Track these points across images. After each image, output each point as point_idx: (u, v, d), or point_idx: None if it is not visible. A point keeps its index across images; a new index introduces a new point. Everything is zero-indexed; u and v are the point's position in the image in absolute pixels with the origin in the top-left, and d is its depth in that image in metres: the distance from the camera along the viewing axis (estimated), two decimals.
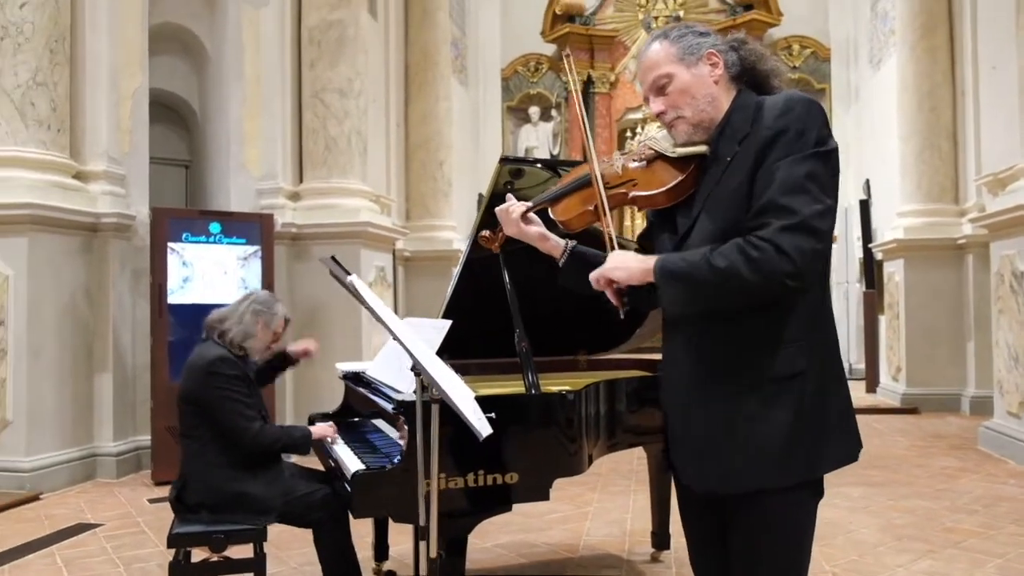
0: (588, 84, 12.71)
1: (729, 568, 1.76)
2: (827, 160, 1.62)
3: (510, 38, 12.90)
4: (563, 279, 1.91)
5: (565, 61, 2.21)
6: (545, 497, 2.40)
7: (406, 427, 2.28)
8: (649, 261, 1.67)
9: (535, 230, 1.93)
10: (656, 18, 12.63)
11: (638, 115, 12.58)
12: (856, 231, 10.71)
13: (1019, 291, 5.71)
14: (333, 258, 1.94)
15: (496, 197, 2.77)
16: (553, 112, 12.95)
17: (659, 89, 1.78)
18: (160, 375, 5.50)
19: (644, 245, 1.95)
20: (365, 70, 7.14)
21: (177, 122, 7.25)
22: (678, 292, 1.66)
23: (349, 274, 1.84)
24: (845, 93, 12.04)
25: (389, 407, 2.58)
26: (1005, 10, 6.32)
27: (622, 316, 1.73)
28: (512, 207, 1.93)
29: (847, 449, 1.71)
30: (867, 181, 10.72)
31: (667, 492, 3.48)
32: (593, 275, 1.75)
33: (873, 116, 10.77)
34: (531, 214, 1.94)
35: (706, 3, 12.89)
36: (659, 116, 1.81)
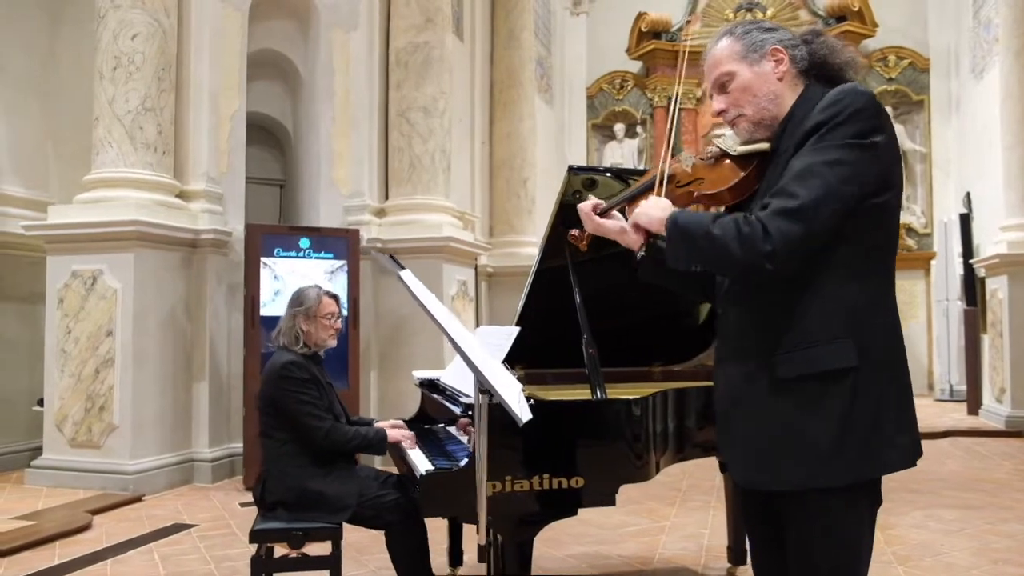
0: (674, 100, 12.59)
1: (788, 571, 1.74)
2: (862, 151, 1.58)
3: (595, 56, 12.97)
4: (642, 273, 1.91)
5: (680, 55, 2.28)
6: (611, 503, 2.42)
7: (473, 430, 2.34)
8: (668, 211, 1.74)
9: (614, 224, 1.93)
10: None
11: (725, 130, 12.38)
12: (957, 247, 10.24)
13: None
14: (392, 257, 2.02)
15: (565, 207, 2.83)
16: (638, 129, 12.89)
17: (721, 87, 1.80)
18: (252, 385, 5.72)
19: None
20: (450, 90, 7.31)
21: (273, 143, 7.58)
22: (678, 247, 1.70)
23: (403, 267, 1.92)
24: (945, 104, 11.57)
25: (458, 411, 2.65)
26: None
27: (638, 258, 1.85)
28: (588, 202, 1.97)
29: (903, 454, 1.65)
30: (968, 194, 10.26)
31: None
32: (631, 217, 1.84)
33: (976, 127, 10.31)
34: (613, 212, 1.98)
35: (797, 16, 12.64)
36: (720, 114, 1.83)
